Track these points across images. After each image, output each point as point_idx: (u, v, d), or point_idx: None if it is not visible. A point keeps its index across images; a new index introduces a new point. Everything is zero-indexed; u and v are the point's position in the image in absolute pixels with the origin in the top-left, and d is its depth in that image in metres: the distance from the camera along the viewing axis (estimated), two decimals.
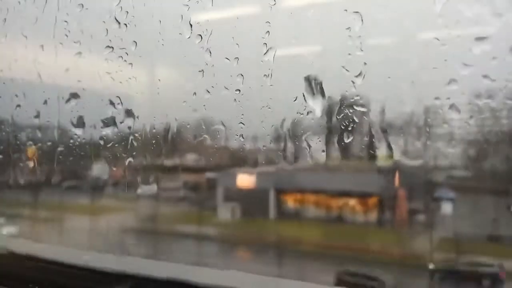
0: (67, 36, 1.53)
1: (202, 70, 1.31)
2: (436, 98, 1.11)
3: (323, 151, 1.31)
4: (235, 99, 1.30)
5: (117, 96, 1.47)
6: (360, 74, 1.15)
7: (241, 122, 1.31)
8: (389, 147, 1.32)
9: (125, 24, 1.40)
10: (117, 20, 1.41)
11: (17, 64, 1.71)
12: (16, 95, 1.66)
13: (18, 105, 1.68)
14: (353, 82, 1.16)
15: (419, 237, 7.62)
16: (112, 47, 1.43)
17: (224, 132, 1.37)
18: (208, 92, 1.32)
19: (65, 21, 1.53)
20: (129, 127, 1.50)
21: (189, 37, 1.30)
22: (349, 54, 1.16)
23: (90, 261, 1.29)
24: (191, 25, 1.31)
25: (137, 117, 1.49)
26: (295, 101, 1.24)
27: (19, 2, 1.66)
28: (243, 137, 1.37)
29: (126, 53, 1.42)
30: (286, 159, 1.38)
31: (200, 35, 1.28)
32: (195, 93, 1.36)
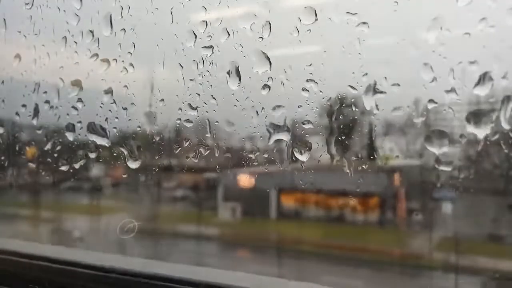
0: (66, 37, 1.54)
1: (201, 72, 1.32)
2: (436, 98, 1.11)
3: (324, 151, 1.32)
4: (235, 99, 1.30)
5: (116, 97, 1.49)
6: (360, 73, 1.15)
7: (241, 121, 1.32)
8: (389, 147, 1.32)
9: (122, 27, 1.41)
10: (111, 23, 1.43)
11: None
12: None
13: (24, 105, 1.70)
14: (351, 82, 1.16)
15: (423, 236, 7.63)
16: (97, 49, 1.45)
17: (224, 132, 1.37)
18: (208, 91, 1.33)
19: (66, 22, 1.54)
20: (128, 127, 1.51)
21: (188, 37, 1.31)
22: (349, 54, 1.16)
23: (91, 260, 1.29)
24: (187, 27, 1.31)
25: (136, 119, 1.49)
26: (295, 101, 1.24)
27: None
28: (243, 137, 1.38)
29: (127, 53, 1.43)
30: (286, 159, 1.38)
31: (197, 34, 1.29)
32: (195, 94, 1.36)
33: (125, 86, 1.47)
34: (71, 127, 1.58)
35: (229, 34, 1.27)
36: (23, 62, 1.69)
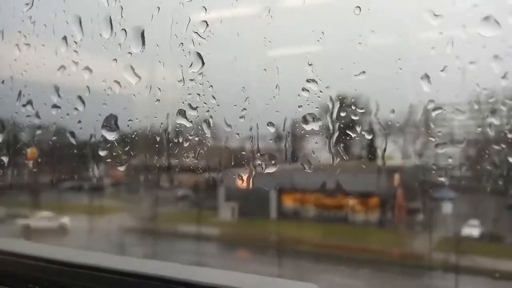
0: (66, 37, 1.55)
1: (201, 72, 1.32)
2: (436, 98, 1.11)
3: (326, 151, 1.32)
4: (235, 99, 1.30)
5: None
6: (360, 74, 1.15)
7: (242, 121, 1.32)
8: (389, 147, 1.32)
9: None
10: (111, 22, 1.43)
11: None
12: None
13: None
14: (351, 82, 1.16)
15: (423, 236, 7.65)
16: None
17: (225, 132, 1.37)
18: (208, 92, 1.33)
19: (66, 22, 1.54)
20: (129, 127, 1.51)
21: (187, 37, 1.31)
22: (349, 54, 1.16)
23: (91, 260, 1.29)
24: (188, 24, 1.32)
25: (136, 118, 1.49)
26: (295, 101, 1.24)
27: None
28: (243, 137, 1.38)
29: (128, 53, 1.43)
30: (286, 159, 1.39)
31: (198, 34, 1.29)
32: (195, 94, 1.36)
33: (125, 86, 1.47)
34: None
35: (229, 34, 1.27)
36: (23, 62, 1.70)
